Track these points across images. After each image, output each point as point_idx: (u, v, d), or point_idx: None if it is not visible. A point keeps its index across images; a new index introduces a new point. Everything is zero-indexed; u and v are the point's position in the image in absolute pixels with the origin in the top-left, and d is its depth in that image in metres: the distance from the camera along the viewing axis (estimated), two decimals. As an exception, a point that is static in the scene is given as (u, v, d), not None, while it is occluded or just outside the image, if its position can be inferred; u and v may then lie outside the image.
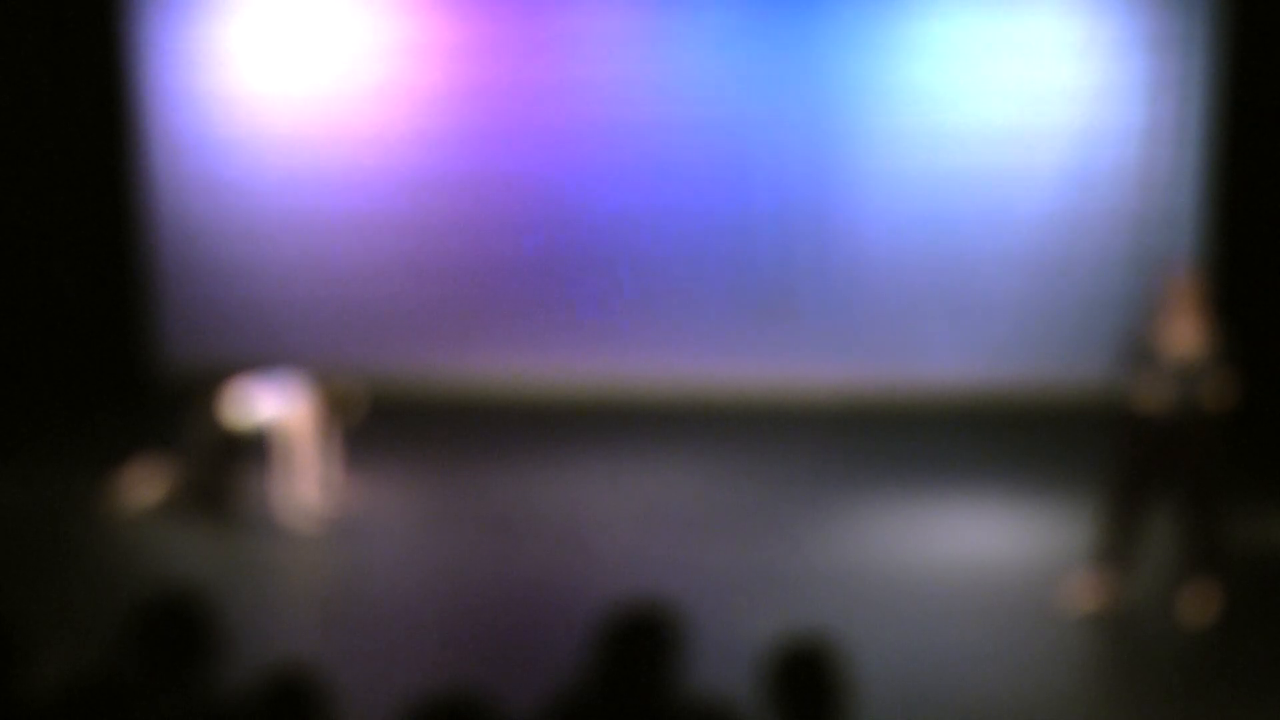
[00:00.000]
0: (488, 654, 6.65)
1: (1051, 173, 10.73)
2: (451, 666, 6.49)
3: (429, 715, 3.38)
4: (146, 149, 10.88)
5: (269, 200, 10.93)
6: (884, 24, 10.63)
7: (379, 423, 9.26)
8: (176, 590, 3.83)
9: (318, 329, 10.94)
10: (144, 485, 8.45)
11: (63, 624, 6.66)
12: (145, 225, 10.96)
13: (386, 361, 10.87)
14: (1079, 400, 10.80)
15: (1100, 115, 10.64)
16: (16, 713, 3.68)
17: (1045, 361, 10.90)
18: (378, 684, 6.05)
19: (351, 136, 10.81)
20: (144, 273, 11.02)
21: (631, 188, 10.88)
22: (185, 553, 7.97)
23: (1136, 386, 7.01)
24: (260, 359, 9.93)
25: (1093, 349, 10.82)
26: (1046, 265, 10.84)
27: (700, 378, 11.00)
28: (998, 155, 10.73)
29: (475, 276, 10.99)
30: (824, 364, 11.00)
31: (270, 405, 8.30)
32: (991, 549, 8.04)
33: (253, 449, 8.40)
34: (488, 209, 10.91)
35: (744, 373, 11.01)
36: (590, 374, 11.03)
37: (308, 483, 8.24)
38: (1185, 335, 6.91)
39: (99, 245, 10.83)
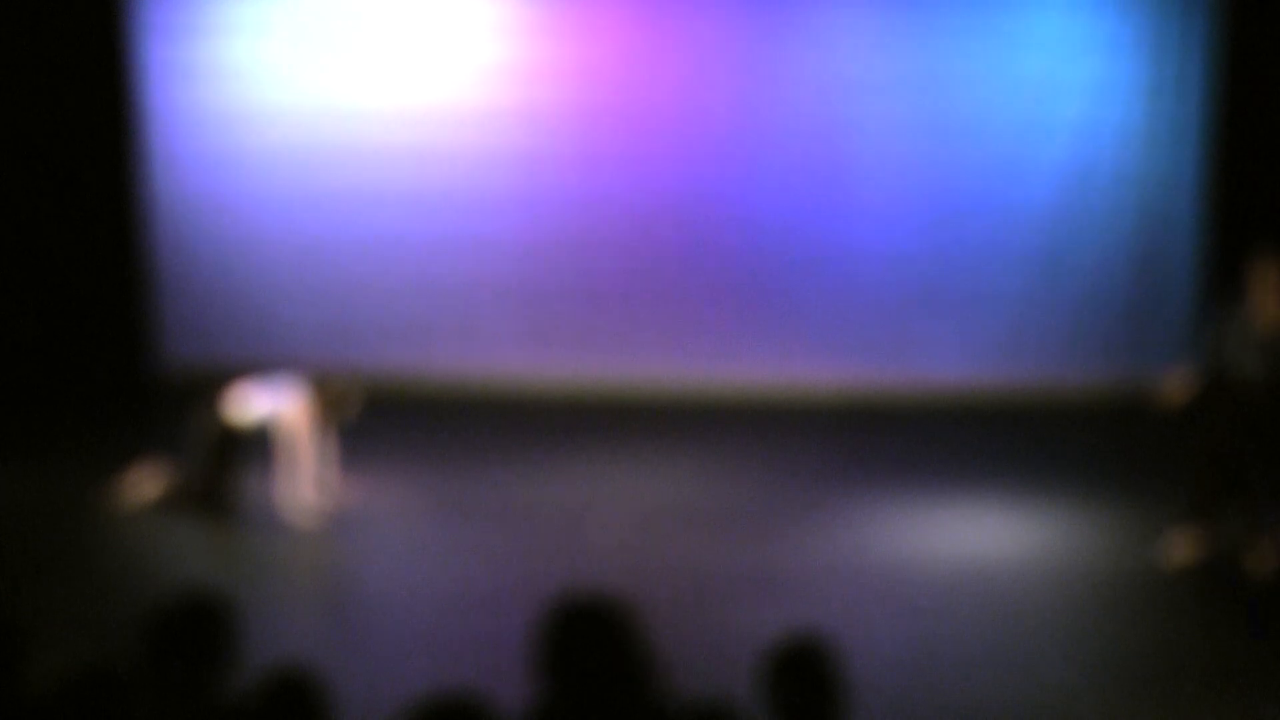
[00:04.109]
0: (486, 652, 6.64)
1: (1051, 171, 10.73)
2: (450, 664, 6.50)
3: (428, 715, 3.38)
4: (148, 155, 10.91)
5: (267, 203, 10.96)
6: (884, 23, 10.64)
7: (380, 421, 9.29)
8: (202, 593, 3.84)
9: (316, 330, 10.97)
10: (145, 484, 8.48)
11: (66, 622, 6.67)
12: (147, 229, 10.99)
13: (387, 361, 10.90)
14: (1078, 400, 10.82)
15: (1100, 114, 10.65)
16: (21, 710, 3.69)
17: (1045, 361, 10.91)
18: (377, 682, 6.06)
19: (347, 150, 10.84)
20: (145, 276, 11.04)
21: (631, 189, 10.89)
22: (186, 550, 7.99)
23: (1230, 362, 7.51)
24: (259, 359, 9.98)
25: (1092, 348, 10.87)
26: (1046, 264, 10.84)
27: (700, 377, 11.01)
28: (997, 154, 10.74)
29: (473, 277, 11.01)
30: (824, 363, 11.01)
31: (268, 403, 8.32)
32: (991, 549, 8.05)
33: (253, 447, 8.42)
34: (480, 210, 10.93)
35: (744, 371, 11.02)
36: (591, 373, 11.04)
37: (306, 480, 8.26)
38: (1270, 312, 7.42)
39: (102, 249, 10.86)
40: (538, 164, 10.85)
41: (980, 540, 8.18)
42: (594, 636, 3.63)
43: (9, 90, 10.54)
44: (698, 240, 10.92)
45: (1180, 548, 7.75)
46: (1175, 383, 7.72)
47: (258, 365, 9.65)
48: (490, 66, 10.77)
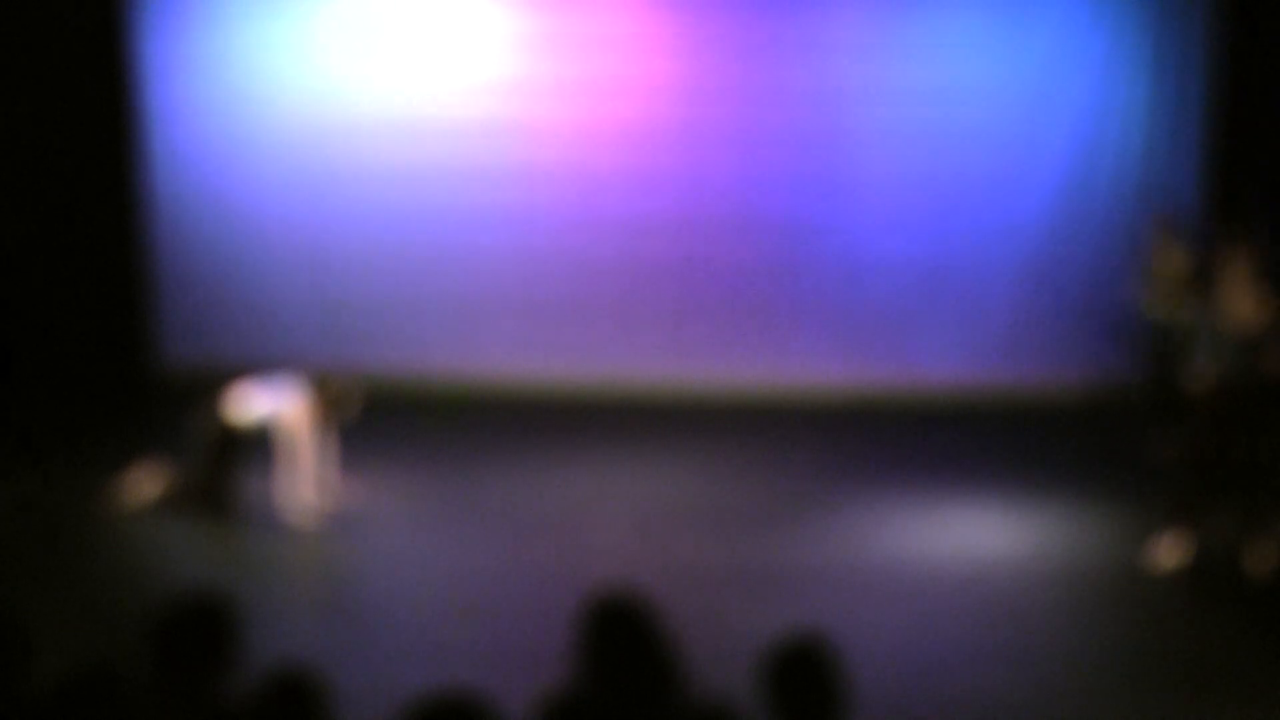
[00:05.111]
0: (487, 652, 6.65)
1: (1050, 177, 10.75)
2: (450, 664, 6.50)
3: (428, 715, 3.38)
4: (149, 155, 10.92)
5: (267, 204, 10.96)
6: (881, 29, 10.64)
7: (380, 421, 9.28)
8: (206, 593, 3.84)
9: (316, 330, 10.97)
10: (145, 484, 8.48)
11: (66, 622, 6.67)
12: (147, 229, 11.00)
13: (387, 361, 10.90)
14: (1076, 401, 10.82)
15: (1099, 125, 10.66)
16: (21, 710, 3.69)
17: (1043, 362, 10.91)
18: (377, 682, 6.06)
19: (348, 141, 10.84)
20: (146, 275, 11.04)
21: (630, 191, 10.90)
22: (186, 550, 7.99)
23: (1197, 362, 7.44)
24: (259, 359, 9.97)
25: (1089, 351, 10.87)
26: (1044, 268, 10.84)
27: (700, 377, 11.01)
28: (995, 159, 10.75)
29: (473, 277, 11.01)
30: (823, 363, 11.01)
31: (268, 403, 8.32)
32: (990, 548, 8.05)
33: (253, 447, 8.42)
34: (481, 208, 10.93)
35: (744, 372, 11.03)
36: (591, 373, 11.04)
37: (306, 480, 8.26)
38: (1242, 307, 7.33)
39: (102, 249, 10.86)
40: (538, 165, 10.85)
41: (979, 540, 8.18)
42: (632, 634, 3.68)
43: (8, 88, 10.54)
44: (699, 241, 10.92)
45: (1168, 551, 7.70)
46: (1199, 379, 7.58)
47: (258, 365, 9.66)
48: (494, 62, 10.78)
